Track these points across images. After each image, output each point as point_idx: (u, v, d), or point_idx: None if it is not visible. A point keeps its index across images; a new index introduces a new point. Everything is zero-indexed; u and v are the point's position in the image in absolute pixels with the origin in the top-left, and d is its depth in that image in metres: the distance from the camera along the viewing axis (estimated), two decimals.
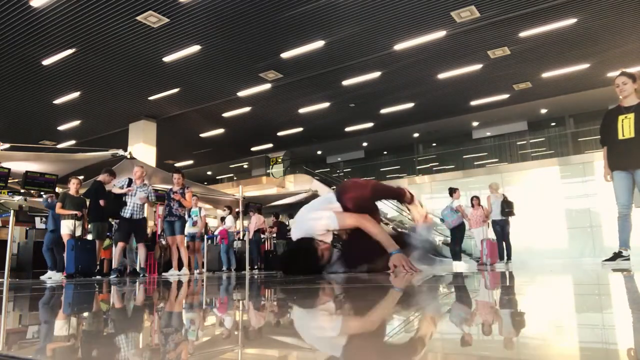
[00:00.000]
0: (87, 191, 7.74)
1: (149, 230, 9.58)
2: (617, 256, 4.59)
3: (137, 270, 7.74)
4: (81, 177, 8.39)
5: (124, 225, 7.41)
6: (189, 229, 9.07)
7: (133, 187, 7.39)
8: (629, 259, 4.52)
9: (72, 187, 7.64)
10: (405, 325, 0.99)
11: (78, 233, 7.37)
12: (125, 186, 7.39)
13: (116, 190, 7.41)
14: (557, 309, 1.21)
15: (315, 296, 1.88)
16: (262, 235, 12.84)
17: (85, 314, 1.59)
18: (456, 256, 10.10)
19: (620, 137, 4.59)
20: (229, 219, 11.84)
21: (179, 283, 4.01)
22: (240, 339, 0.89)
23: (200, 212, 9.44)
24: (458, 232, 10.14)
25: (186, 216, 8.67)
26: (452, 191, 10.25)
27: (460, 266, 8.34)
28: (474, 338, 0.81)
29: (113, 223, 8.60)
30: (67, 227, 7.33)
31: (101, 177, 7.66)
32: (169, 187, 8.38)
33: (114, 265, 7.55)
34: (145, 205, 7.94)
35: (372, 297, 1.76)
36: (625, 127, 4.56)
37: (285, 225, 13.79)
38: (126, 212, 7.30)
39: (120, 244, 7.41)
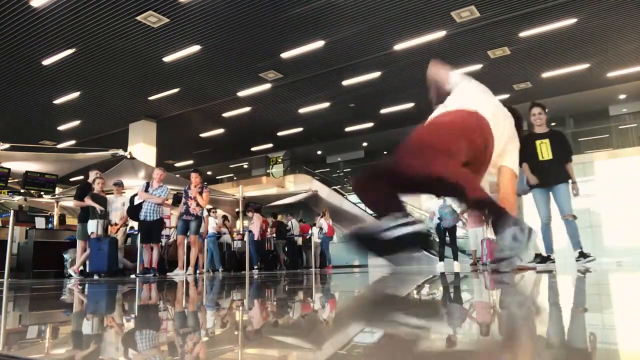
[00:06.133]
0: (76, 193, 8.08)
1: None
2: (546, 259, 5.33)
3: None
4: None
5: (140, 227, 7.71)
6: None
7: (150, 190, 7.61)
8: (554, 261, 5.29)
9: (97, 187, 7.73)
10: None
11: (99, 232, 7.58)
12: (143, 190, 7.60)
13: (144, 195, 7.63)
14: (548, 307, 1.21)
15: None
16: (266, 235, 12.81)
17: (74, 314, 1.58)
18: (456, 256, 10.12)
19: (540, 158, 5.31)
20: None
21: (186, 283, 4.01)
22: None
23: (203, 212, 9.43)
24: (453, 231, 10.20)
25: (204, 214, 8.66)
26: None
27: (457, 266, 8.36)
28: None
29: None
30: (97, 227, 7.48)
31: (114, 189, 8.29)
32: (182, 188, 8.38)
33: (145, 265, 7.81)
34: (162, 206, 7.98)
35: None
36: (543, 150, 5.31)
37: (284, 225, 13.77)
38: (141, 215, 7.53)
39: (143, 245, 7.69)
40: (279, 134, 18.69)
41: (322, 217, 13.30)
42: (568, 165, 5.33)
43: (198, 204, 7.65)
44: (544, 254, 5.43)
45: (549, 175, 5.27)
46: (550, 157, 5.28)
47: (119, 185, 8.59)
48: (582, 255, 5.26)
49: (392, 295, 1.89)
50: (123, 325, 1.22)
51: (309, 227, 14.22)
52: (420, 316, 1.20)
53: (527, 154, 5.34)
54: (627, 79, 13.92)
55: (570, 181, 5.29)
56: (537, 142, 5.36)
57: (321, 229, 13.02)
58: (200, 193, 7.66)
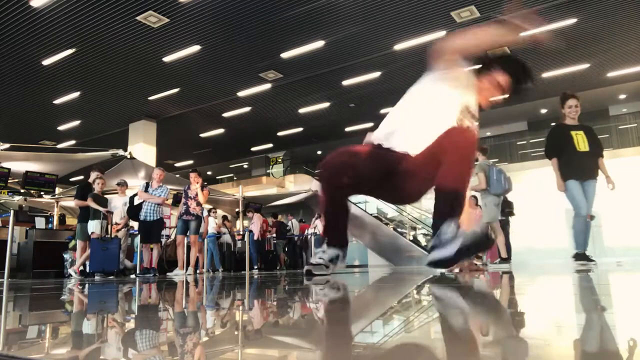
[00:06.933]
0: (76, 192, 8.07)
1: None
2: (583, 257, 5.13)
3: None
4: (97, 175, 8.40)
5: (140, 227, 7.71)
6: None
7: (149, 190, 7.60)
8: (594, 262, 5.09)
9: (97, 187, 7.72)
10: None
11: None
12: (142, 190, 7.59)
13: (143, 196, 7.61)
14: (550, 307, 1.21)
15: None
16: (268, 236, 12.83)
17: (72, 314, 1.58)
18: None
19: (578, 149, 5.04)
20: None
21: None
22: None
23: (203, 212, 9.43)
24: None
25: (204, 214, 8.66)
26: None
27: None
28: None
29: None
30: (100, 227, 7.48)
31: (118, 189, 8.41)
32: (182, 188, 8.37)
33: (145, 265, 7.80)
34: (162, 206, 7.98)
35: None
36: (580, 142, 5.06)
37: (284, 225, 13.76)
38: (140, 215, 7.52)
39: (143, 245, 7.68)
40: (279, 134, 18.70)
41: (317, 218, 13.30)
42: (601, 160, 5.17)
43: (198, 204, 7.62)
44: (577, 251, 5.25)
45: (585, 168, 5.07)
46: (587, 149, 5.06)
47: (123, 185, 8.59)
48: (583, 256, 5.14)
49: (393, 295, 1.90)
50: (123, 325, 1.22)
51: (308, 227, 14.24)
52: (421, 316, 1.20)
53: (561, 145, 5.20)
54: (627, 79, 13.93)
55: (598, 178, 5.13)
56: (573, 133, 5.14)
57: (316, 229, 13.01)
58: (201, 189, 7.66)
